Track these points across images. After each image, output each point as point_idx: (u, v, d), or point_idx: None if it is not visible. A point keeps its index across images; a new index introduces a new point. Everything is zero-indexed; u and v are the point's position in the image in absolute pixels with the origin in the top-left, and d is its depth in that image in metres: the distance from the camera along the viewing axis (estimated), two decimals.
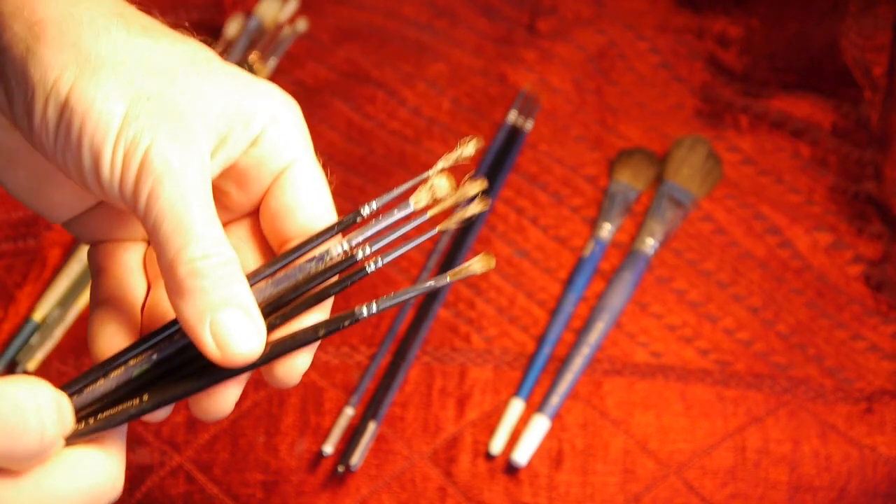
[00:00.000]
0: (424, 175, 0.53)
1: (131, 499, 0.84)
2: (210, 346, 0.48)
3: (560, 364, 0.88)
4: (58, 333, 0.90)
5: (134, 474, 0.84)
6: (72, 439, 0.48)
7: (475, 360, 0.88)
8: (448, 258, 0.93)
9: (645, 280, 0.93)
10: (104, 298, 0.54)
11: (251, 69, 1.06)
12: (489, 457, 0.85)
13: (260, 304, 0.51)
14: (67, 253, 0.94)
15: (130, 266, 0.56)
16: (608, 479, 0.84)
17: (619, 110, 1.04)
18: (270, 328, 0.51)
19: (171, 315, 0.52)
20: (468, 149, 0.53)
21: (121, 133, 0.48)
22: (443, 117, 1.02)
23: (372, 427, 0.84)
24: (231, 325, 0.48)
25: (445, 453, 0.85)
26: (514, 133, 1.00)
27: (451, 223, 0.52)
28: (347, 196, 0.96)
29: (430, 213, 0.52)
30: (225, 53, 1.06)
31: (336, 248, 0.52)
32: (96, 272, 0.56)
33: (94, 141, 0.48)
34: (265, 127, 0.52)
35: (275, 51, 1.07)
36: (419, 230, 0.53)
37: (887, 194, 0.96)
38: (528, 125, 1.01)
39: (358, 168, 0.98)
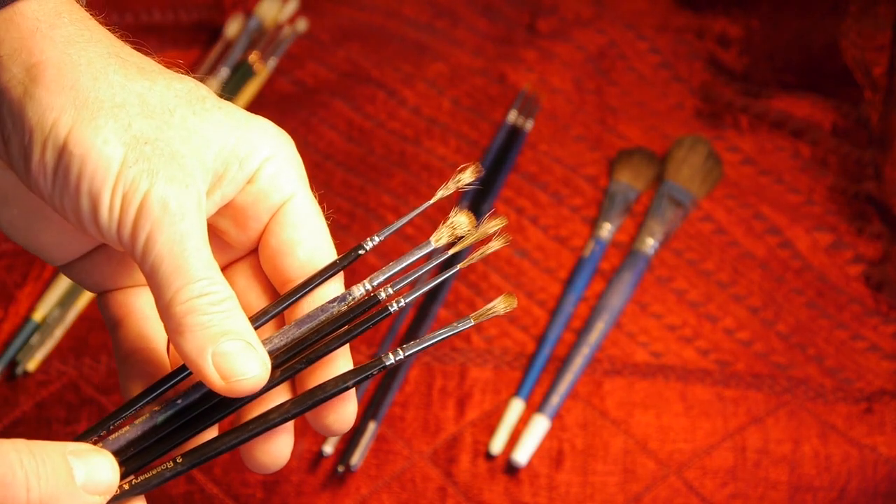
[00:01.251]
0: (424, 206, 0.53)
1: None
2: (214, 376, 0.49)
3: (560, 364, 0.88)
4: (58, 333, 0.90)
5: None
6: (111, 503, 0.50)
7: (475, 360, 0.88)
8: (448, 259, 0.92)
9: (645, 280, 0.93)
10: (128, 352, 0.55)
11: (251, 69, 1.06)
12: (489, 457, 0.85)
13: (284, 346, 0.52)
14: None
15: (146, 313, 0.56)
16: (608, 479, 0.84)
17: (619, 110, 1.04)
18: (294, 372, 0.52)
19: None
20: (466, 176, 0.53)
21: (119, 177, 0.48)
22: (443, 117, 1.02)
23: (372, 427, 0.84)
24: (232, 354, 0.49)
25: (445, 453, 0.85)
26: (514, 133, 1.00)
27: (474, 259, 0.53)
28: (347, 196, 0.96)
29: (451, 252, 0.53)
30: (225, 53, 1.07)
31: (358, 289, 0.53)
32: (113, 326, 0.56)
33: (92, 185, 0.48)
34: (261, 164, 0.52)
35: (275, 51, 1.07)
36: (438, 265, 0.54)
37: (887, 194, 0.96)
38: (528, 125, 1.01)
39: (358, 168, 0.98)
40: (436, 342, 0.52)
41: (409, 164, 0.99)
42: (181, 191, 0.49)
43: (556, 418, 0.86)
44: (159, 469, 0.51)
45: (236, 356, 0.49)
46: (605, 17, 1.10)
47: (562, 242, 0.95)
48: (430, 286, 0.53)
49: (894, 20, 0.97)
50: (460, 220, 0.53)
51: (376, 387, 0.87)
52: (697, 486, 0.84)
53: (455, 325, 0.52)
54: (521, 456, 0.84)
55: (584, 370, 0.88)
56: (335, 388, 0.51)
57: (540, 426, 0.85)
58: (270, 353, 0.51)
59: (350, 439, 0.84)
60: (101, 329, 0.90)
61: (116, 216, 0.49)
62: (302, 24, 1.10)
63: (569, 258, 0.94)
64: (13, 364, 0.89)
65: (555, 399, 0.86)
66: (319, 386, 0.52)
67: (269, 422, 0.51)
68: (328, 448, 0.83)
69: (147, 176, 0.48)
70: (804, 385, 0.88)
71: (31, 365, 0.89)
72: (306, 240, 0.53)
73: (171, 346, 0.55)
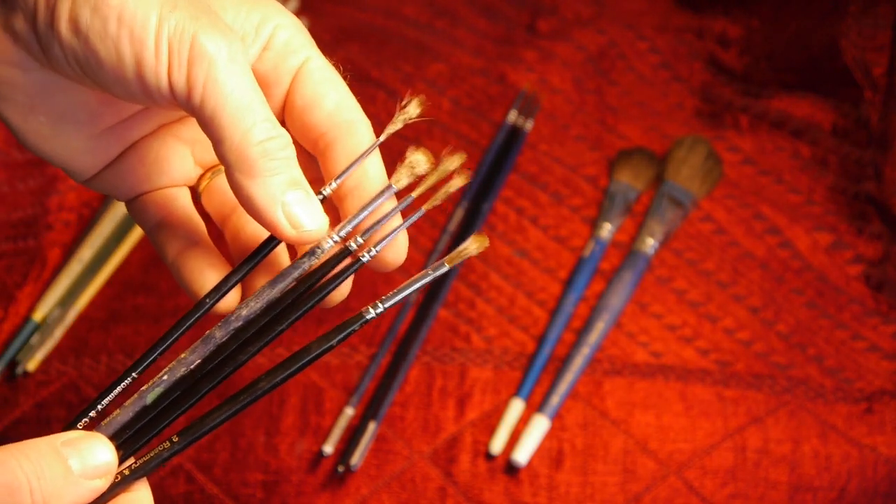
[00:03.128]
0: (378, 141, 0.53)
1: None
2: (285, 226, 0.50)
3: (560, 364, 0.88)
4: (58, 333, 0.90)
5: None
6: (111, 490, 0.51)
7: (475, 360, 0.88)
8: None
9: (645, 280, 0.93)
10: (182, 246, 0.55)
11: None
12: (489, 457, 0.85)
13: (262, 309, 0.52)
14: (67, 253, 0.94)
15: (188, 210, 0.57)
16: (608, 479, 0.84)
17: (619, 110, 1.04)
18: (277, 334, 0.52)
19: (250, 242, 0.54)
20: (412, 109, 0.53)
21: (162, 23, 0.48)
22: (443, 117, 1.02)
23: (372, 427, 0.84)
24: (300, 205, 0.50)
25: (445, 453, 0.85)
26: (514, 133, 1.00)
27: (437, 200, 0.52)
28: None
29: (415, 194, 0.53)
30: None
31: (326, 241, 0.52)
32: (154, 227, 0.56)
33: (133, 33, 0.48)
34: (274, 31, 0.53)
35: None
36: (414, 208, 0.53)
37: (887, 194, 0.96)
38: (528, 125, 1.01)
39: None
40: (413, 290, 0.52)
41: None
42: (228, 34, 0.49)
43: (556, 418, 0.86)
44: (157, 450, 0.52)
45: (303, 206, 0.50)
46: (605, 17, 1.10)
47: (562, 242, 0.95)
48: (398, 230, 0.52)
49: (894, 20, 0.97)
50: (418, 159, 0.53)
51: (376, 387, 0.87)
52: (697, 486, 0.84)
53: (430, 271, 0.52)
54: (521, 456, 0.84)
55: (584, 370, 0.88)
56: (319, 348, 0.51)
57: (540, 426, 0.85)
58: (248, 316, 0.52)
59: (350, 439, 0.84)
60: (100, 329, 0.91)
61: (165, 63, 0.48)
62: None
63: (569, 258, 0.94)
64: (13, 364, 0.89)
65: (555, 399, 0.86)
66: (304, 348, 0.52)
67: (258, 390, 0.51)
68: (328, 448, 0.83)
69: (191, 21, 0.48)
70: (804, 385, 0.88)
71: (31, 365, 0.89)
72: (330, 92, 0.53)
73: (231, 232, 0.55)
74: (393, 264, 0.53)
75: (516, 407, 0.86)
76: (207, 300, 0.53)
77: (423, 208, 0.52)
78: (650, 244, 0.93)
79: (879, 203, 0.97)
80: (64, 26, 0.48)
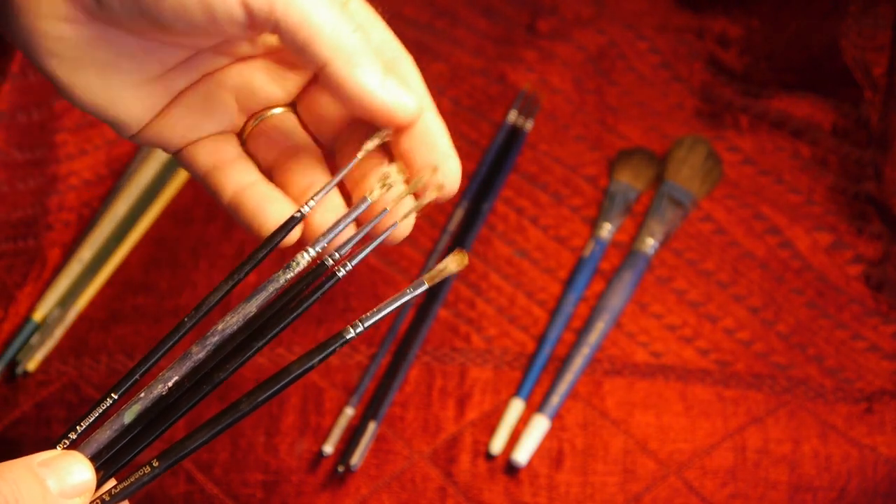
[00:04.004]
0: (351, 164, 0.53)
1: (131, 499, 0.84)
2: (395, 106, 0.52)
3: (560, 364, 0.88)
4: (58, 333, 0.90)
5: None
6: None
7: (475, 360, 0.88)
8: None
9: (645, 280, 0.93)
10: (238, 186, 0.56)
11: None
12: (489, 457, 0.85)
13: (239, 326, 0.52)
14: (67, 253, 0.94)
15: (239, 154, 0.58)
16: (608, 479, 0.84)
17: (619, 110, 1.04)
18: (256, 350, 0.52)
19: (299, 186, 0.56)
20: (381, 135, 0.54)
21: None
22: (443, 117, 1.02)
23: (372, 427, 0.84)
24: (399, 87, 0.53)
25: (445, 453, 0.85)
26: (514, 133, 1.00)
27: (415, 210, 0.53)
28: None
29: (389, 208, 0.53)
30: None
31: (302, 256, 0.52)
32: (208, 173, 0.57)
33: None
34: None
35: None
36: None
37: (887, 194, 0.96)
38: (528, 125, 1.01)
39: None
40: (392, 310, 0.52)
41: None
42: None
43: (556, 418, 0.86)
44: (138, 475, 0.52)
45: (399, 87, 0.53)
46: (605, 17, 1.10)
47: (562, 242, 0.95)
48: (375, 244, 0.53)
49: (894, 20, 0.97)
50: (390, 171, 0.53)
51: (376, 387, 0.87)
52: (697, 486, 0.84)
53: (409, 289, 0.52)
54: (521, 456, 0.84)
55: (584, 370, 0.88)
56: (300, 368, 0.51)
57: (540, 426, 0.85)
58: (225, 332, 0.52)
59: (350, 439, 0.84)
60: (100, 329, 0.91)
61: None
62: None
63: (569, 258, 0.94)
64: (13, 364, 0.89)
65: (555, 399, 0.86)
66: (284, 369, 0.52)
67: (239, 412, 0.51)
68: (328, 448, 0.83)
69: None
70: (804, 385, 0.88)
71: (31, 365, 0.89)
72: (372, 31, 0.55)
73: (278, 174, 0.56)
74: (446, 186, 0.55)
75: (516, 407, 0.86)
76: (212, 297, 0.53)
77: (398, 222, 0.53)
78: (650, 244, 0.93)
79: (879, 203, 0.97)
80: None
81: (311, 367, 0.52)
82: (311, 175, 0.56)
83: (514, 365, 0.88)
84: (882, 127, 0.98)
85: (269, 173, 0.58)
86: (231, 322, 0.52)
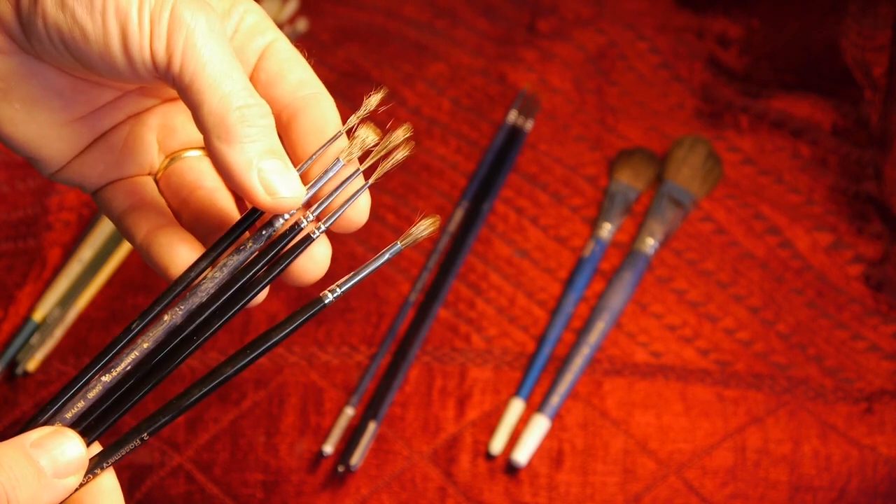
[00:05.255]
0: (338, 133, 0.53)
1: (131, 499, 0.84)
2: (260, 192, 0.50)
3: (560, 364, 0.88)
4: (58, 333, 0.90)
5: (134, 474, 0.84)
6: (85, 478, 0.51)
7: (475, 360, 0.88)
8: (448, 257, 0.93)
9: (645, 280, 0.93)
10: (152, 228, 0.56)
11: None
12: (489, 457, 0.85)
13: (215, 291, 0.52)
14: (67, 253, 0.94)
15: (156, 196, 0.57)
16: (608, 479, 0.84)
17: (619, 110, 1.04)
18: (233, 314, 0.52)
19: (210, 227, 0.55)
20: (372, 101, 0.54)
21: None
22: (443, 117, 1.02)
23: (372, 427, 0.84)
24: (276, 172, 0.50)
25: (445, 453, 0.85)
26: (514, 133, 1.00)
27: (382, 171, 0.53)
28: None
29: (362, 168, 0.53)
30: None
31: (278, 220, 0.53)
32: (123, 213, 0.57)
33: (119, 5, 0.49)
34: (242, 15, 0.54)
35: None
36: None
37: (887, 194, 0.96)
38: (528, 125, 1.01)
39: None
40: (368, 273, 0.53)
41: (408, 164, 0.99)
42: (206, 7, 0.50)
43: (556, 418, 0.86)
44: (125, 441, 0.51)
45: (279, 174, 0.50)
46: (605, 17, 1.10)
47: (562, 242, 0.95)
48: (346, 206, 0.53)
49: (894, 20, 0.97)
50: (366, 134, 0.54)
51: (376, 387, 0.87)
52: (697, 486, 0.84)
53: (384, 252, 0.53)
54: (521, 456, 0.84)
55: (584, 370, 0.88)
56: (281, 333, 0.52)
57: (540, 426, 0.85)
58: (206, 293, 0.52)
59: (350, 439, 0.84)
60: (100, 329, 0.91)
61: (147, 33, 0.49)
62: (302, 24, 1.10)
63: (569, 258, 0.94)
64: (13, 364, 0.89)
65: (555, 399, 0.86)
66: (263, 334, 0.52)
67: (221, 374, 0.52)
68: (328, 448, 0.83)
69: None
70: (804, 385, 0.88)
71: (31, 365, 0.89)
72: (294, 68, 0.54)
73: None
74: (351, 227, 0.54)
75: (516, 407, 0.86)
76: (183, 281, 0.53)
77: (370, 181, 0.53)
78: (650, 244, 0.93)
79: (879, 203, 0.97)
80: (49, 1, 0.49)
81: (290, 333, 0.52)
82: (220, 218, 0.55)
83: (514, 365, 0.88)
84: (882, 127, 0.98)
85: (178, 215, 0.57)
86: (211, 288, 0.52)
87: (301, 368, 0.87)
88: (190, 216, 0.56)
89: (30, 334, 0.90)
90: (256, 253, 0.53)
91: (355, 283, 0.53)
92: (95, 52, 0.50)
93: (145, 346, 0.52)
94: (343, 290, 0.53)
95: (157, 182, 0.58)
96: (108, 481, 0.52)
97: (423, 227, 0.53)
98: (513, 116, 1.01)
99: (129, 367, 0.52)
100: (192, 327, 0.52)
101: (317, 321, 0.89)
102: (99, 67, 0.50)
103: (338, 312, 0.90)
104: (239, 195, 0.52)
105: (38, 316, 0.91)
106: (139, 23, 0.49)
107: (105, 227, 0.95)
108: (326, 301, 0.53)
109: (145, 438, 0.52)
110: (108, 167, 0.57)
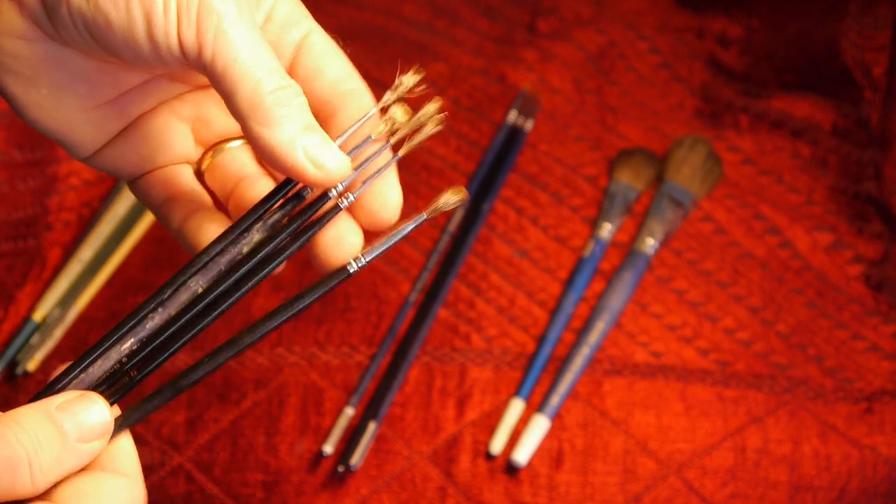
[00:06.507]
0: (371, 112, 0.54)
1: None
2: (309, 167, 0.50)
3: (560, 364, 0.88)
4: (58, 333, 0.90)
5: None
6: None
7: (475, 360, 0.88)
8: (448, 257, 0.93)
9: (645, 280, 0.93)
10: (187, 213, 0.56)
11: None
12: (489, 457, 0.85)
13: (250, 250, 0.52)
14: (67, 253, 0.94)
15: (193, 185, 0.57)
16: (608, 479, 0.84)
17: (619, 110, 1.04)
18: (261, 278, 0.53)
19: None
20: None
21: None
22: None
23: (372, 427, 0.84)
24: (319, 147, 0.51)
25: (445, 453, 0.85)
26: (514, 133, 1.00)
27: (412, 145, 0.54)
28: None
29: (392, 141, 0.54)
30: None
31: (307, 190, 0.53)
32: (162, 203, 0.57)
33: None
34: (274, 4, 0.54)
35: None
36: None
37: (887, 194, 0.96)
38: (528, 125, 1.01)
39: None
40: (392, 244, 0.53)
41: (409, 163, 0.99)
42: None
43: (556, 418, 0.86)
44: (139, 403, 0.51)
45: (322, 147, 0.51)
46: (605, 17, 1.10)
47: (562, 242, 0.95)
48: (376, 175, 0.53)
49: (894, 20, 0.97)
50: (397, 111, 0.54)
51: (376, 387, 0.87)
52: (697, 486, 0.84)
53: (409, 223, 0.53)
54: (521, 456, 0.84)
55: (584, 370, 0.88)
56: (307, 300, 0.52)
57: (540, 426, 0.85)
58: (233, 258, 0.52)
59: (350, 439, 0.84)
60: (100, 329, 0.90)
61: (174, 20, 0.49)
62: None
63: (569, 258, 0.94)
64: (13, 364, 0.89)
65: (555, 399, 0.86)
66: (294, 297, 0.52)
67: (242, 343, 0.52)
68: (328, 448, 0.83)
69: None
70: (804, 385, 0.88)
71: (31, 365, 0.89)
72: (332, 63, 0.54)
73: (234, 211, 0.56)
74: (381, 214, 0.54)
75: (516, 407, 0.86)
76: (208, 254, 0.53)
77: (399, 155, 0.54)
78: (650, 244, 0.93)
79: (879, 203, 0.97)
80: None
81: (315, 301, 0.52)
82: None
83: (514, 365, 0.88)
84: (882, 127, 0.98)
85: (227, 202, 0.57)
86: (234, 252, 0.53)
87: (301, 368, 0.87)
88: (235, 206, 0.57)
89: (30, 334, 0.90)
90: (285, 220, 0.53)
91: (379, 255, 0.53)
92: (120, 39, 0.50)
93: (171, 312, 0.52)
94: (367, 260, 0.53)
95: (201, 175, 0.58)
96: (126, 443, 0.51)
97: (449, 199, 0.53)
98: (513, 116, 1.01)
99: (153, 330, 0.52)
100: (217, 291, 0.52)
101: (317, 321, 0.89)
102: (124, 54, 0.50)
103: (338, 312, 0.90)
104: (286, 175, 0.52)
105: (38, 316, 0.91)
106: (164, 10, 0.49)
107: (105, 227, 0.95)
108: (351, 270, 0.53)
109: (154, 401, 0.51)
110: (141, 156, 0.57)
